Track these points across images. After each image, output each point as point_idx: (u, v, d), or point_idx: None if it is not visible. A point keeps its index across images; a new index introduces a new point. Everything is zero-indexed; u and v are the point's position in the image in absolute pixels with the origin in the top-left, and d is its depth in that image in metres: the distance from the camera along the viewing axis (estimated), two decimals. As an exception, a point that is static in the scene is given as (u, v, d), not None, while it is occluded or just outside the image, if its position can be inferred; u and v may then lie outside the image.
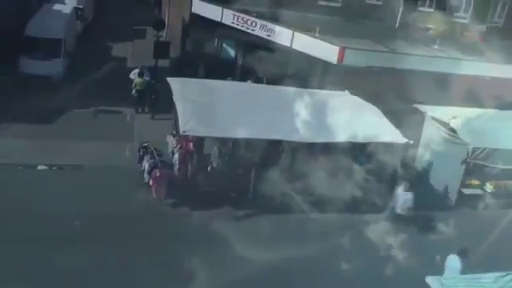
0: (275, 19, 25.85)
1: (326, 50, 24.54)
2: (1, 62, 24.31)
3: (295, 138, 18.78)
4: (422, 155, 22.00)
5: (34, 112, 22.71)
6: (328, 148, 19.26)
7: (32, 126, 22.23)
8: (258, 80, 24.82)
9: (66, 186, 18.52)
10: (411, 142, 19.73)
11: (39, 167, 20.08)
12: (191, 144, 19.72)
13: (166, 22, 30.21)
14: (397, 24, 28.15)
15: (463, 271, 13.76)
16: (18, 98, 23.49)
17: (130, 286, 14.64)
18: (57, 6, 30.35)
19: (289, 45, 25.31)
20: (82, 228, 16.39)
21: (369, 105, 21.04)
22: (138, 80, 25.27)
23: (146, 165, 19.34)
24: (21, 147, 20.68)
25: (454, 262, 14.36)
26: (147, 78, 25.43)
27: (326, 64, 24.74)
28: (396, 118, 20.31)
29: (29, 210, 16.82)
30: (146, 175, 19.20)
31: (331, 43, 24.53)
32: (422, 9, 28.96)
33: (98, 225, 16.54)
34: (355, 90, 22.08)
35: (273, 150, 19.82)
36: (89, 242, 15.70)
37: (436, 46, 27.98)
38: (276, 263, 15.57)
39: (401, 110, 20.91)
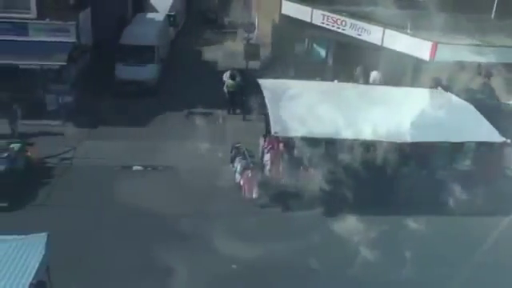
0: (365, 17, 25.48)
1: (417, 47, 23.87)
2: (99, 68, 25.64)
3: (388, 137, 18.45)
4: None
5: (130, 115, 23.67)
6: (422, 147, 18.83)
7: (127, 129, 23.29)
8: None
9: (160, 186, 19.14)
10: (509, 141, 18.87)
11: (134, 168, 20.93)
12: (282, 145, 19.80)
13: (256, 24, 30.53)
14: (493, 15, 26.86)
15: None
16: (114, 103, 24.55)
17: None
18: (150, 15, 31.55)
19: (379, 43, 24.87)
20: (175, 227, 16.89)
21: (463, 102, 20.34)
22: (229, 82, 25.72)
23: (237, 165, 19.66)
24: (117, 149, 21.73)
25: None
26: (238, 80, 25.81)
27: (417, 61, 24.09)
28: (493, 116, 19.53)
29: (127, 209, 17.51)
30: (237, 176, 19.52)
31: (422, 39, 23.84)
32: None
33: (191, 224, 16.94)
34: (449, 87, 21.37)
35: (365, 149, 19.55)
36: (183, 240, 16.15)
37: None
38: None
39: (497, 108, 20.07)
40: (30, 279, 10.14)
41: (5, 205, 17.74)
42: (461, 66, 23.15)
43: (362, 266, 15.52)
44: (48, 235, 11.29)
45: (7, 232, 11.51)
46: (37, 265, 10.53)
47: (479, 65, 23.70)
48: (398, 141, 18.59)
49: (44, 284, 11.53)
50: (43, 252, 10.88)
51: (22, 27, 24.20)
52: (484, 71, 24.04)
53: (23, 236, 11.24)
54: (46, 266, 11.22)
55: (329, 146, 19.37)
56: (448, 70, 22.94)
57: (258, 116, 22.68)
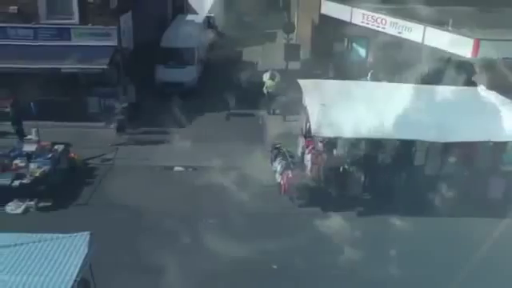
0: (405, 15, 25.11)
1: (459, 44, 23.34)
2: (140, 71, 25.96)
3: (430, 137, 18.14)
4: None
5: (170, 117, 23.83)
6: (465, 147, 18.45)
7: (168, 130, 23.47)
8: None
9: (201, 187, 19.22)
10: None
11: (176, 168, 21.12)
12: (322, 145, 19.68)
13: (296, 24, 30.44)
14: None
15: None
16: (155, 105, 24.82)
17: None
18: (189, 17, 31.79)
19: (420, 41, 24.46)
20: (215, 227, 16.98)
21: (507, 100, 19.81)
22: (269, 82, 25.70)
23: (278, 166, 19.61)
24: (158, 150, 21.98)
25: None
26: (278, 81, 25.77)
27: (459, 58, 23.60)
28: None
29: (168, 209, 17.68)
30: (278, 176, 19.47)
31: (464, 36, 23.34)
32: None
33: (231, 224, 17.02)
34: (492, 85, 20.85)
35: (406, 150, 19.27)
36: (223, 240, 16.08)
37: None
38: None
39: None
40: (74, 276, 10.30)
41: (49, 204, 18.25)
42: (504, 62, 22.58)
43: (407, 268, 15.20)
44: (91, 234, 11.45)
45: (52, 231, 11.72)
46: (80, 263, 10.71)
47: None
48: (441, 141, 18.27)
49: (87, 282, 11.74)
50: (86, 250, 11.06)
51: (65, 32, 24.71)
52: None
53: (67, 235, 11.43)
54: (88, 265, 11.40)
55: (369, 145, 19.20)
56: (491, 67, 22.39)
57: (298, 116, 22.58)
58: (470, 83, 22.38)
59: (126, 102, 23.98)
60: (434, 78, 22.88)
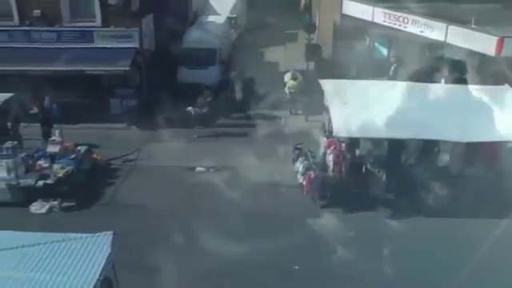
0: (427, 14, 24.88)
1: (482, 42, 23.04)
2: (162, 72, 26.11)
3: (453, 137, 17.92)
4: None
5: (192, 118, 23.93)
6: (490, 147, 18.21)
7: (190, 131, 23.67)
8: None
9: (222, 187, 19.21)
10: None
11: (197, 169, 21.19)
12: (344, 145, 19.57)
13: (317, 24, 30.36)
14: None
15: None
16: (177, 105, 24.90)
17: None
18: (211, 17, 31.85)
19: (443, 39, 24.21)
20: (236, 226, 16.91)
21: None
22: (290, 82, 25.68)
23: (300, 166, 19.55)
24: (180, 150, 22.07)
25: None
26: (300, 81, 25.72)
27: (483, 57, 23.30)
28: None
29: (190, 209, 17.80)
30: (299, 176, 19.41)
31: (488, 33, 23.03)
32: None
33: (252, 224, 17.02)
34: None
35: (429, 150, 19.09)
36: (245, 240, 16.07)
37: None
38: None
39: None
40: (97, 275, 10.36)
41: (72, 204, 18.46)
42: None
43: (434, 270, 15.05)
44: (113, 234, 11.51)
45: (75, 230, 11.82)
46: (103, 262, 10.75)
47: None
48: (464, 141, 18.04)
49: (110, 281, 11.79)
50: (109, 250, 11.09)
51: (87, 35, 25.01)
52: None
53: (90, 234, 11.49)
54: (111, 264, 11.44)
55: (392, 145, 19.06)
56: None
57: (320, 116, 22.50)
58: (463, 81, 22.17)
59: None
60: (457, 76, 22.67)
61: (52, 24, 24.95)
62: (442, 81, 22.98)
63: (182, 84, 27.16)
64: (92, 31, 25.00)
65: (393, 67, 25.23)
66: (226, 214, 17.48)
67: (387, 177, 18.95)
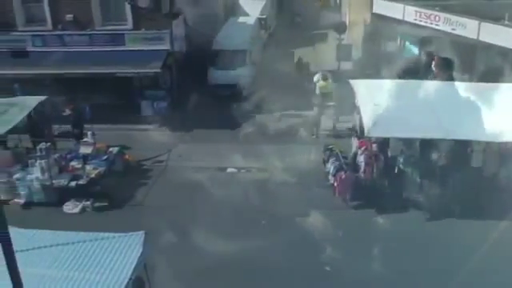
0: (459, 11, 24.49)
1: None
2: (193, 74, 26.26)
3: (486, 137, 17.59)
4: None
5: (223, 119, 24.03)
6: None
7: (221, 131, 23.66)
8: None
9: (253, 188, 19.23)
10: None
11: (229, 170, 21.22)
12: (375, 145, 19.39)
13: (347, 24, 30.17)
14: None
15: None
16: (207, 107, 25.04)
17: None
18: (241, 19, 31.93)
19: (475, 37, 23.79)
20: (269, 227, 16.97)
21: None
22: (320, 83, 25.50)
23: (331, 167, 19.43)
24: (211, 151, 22.10)
25: None
26: (330, 81, 25.55)
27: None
28: None
29: (222, 210, 17.76)
30: (330, 177, 19.29)
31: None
32: None
33: (284, 224, 17.03)
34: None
35: (462, 150, 18.77)
36: (278, 241, 16.15)
37: None
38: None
39: None
40: (129, 275, 10.45)
41: (105, 204, 18.69)
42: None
43: (472, 269, 14.70)
44: (145, 234, 11.59)
45: (107, 230, 11.94)
46: (135, 261, 10.86)
47: None
48: (497, 141, 17.69)
49: (142, 280, 11.89)
50: (141, 250, 11.19)
51: (119, 38, 25.32)
52: None
53: (122, 234, 11.61)
54: (143, 264, 11.55)
55: (424, 146, 18.82)
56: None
57: (351, 117, 22.34)
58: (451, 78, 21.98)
59: None
60: (490, 74, 22.24)
61: (84, 28, 25.34)
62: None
63: (212, 85, 27.26)
64: (123, 34, 25.29)
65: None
66: (254, 215, 17.51)
67: (420, 177, 18.69)
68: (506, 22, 23.03)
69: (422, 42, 26.93)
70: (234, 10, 34.03)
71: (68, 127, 23.01)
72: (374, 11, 27.97)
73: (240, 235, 16.09)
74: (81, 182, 19.14)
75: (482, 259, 15.02)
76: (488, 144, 18.12)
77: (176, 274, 14.28)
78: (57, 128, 23.07)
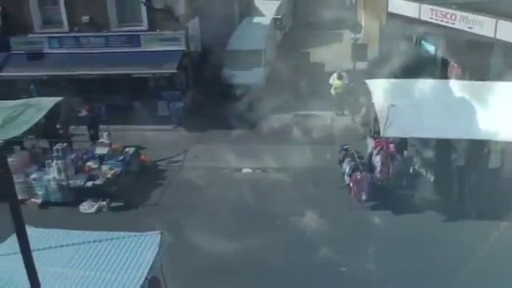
0: (476, 9, 24.24)
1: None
2: (208, 74, 26.34)
3: (503, 137, 17.39)
4: None
5: (238, 119, 24.04)
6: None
7: (236, 132, 23.67)
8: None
9: (269, 188, 19.32)
10: None
11: (244, 170, 21.22)
12: (392, 146, 19.28)
13: (363, 24, 30.08)
14: None
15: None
16: (222, 107, 25.06)
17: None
18: (256, 19, 31.96)
19: (492, 35, 23.53)
20: (284, 228, 16.94)
21: None
22: (336, 83, 25.46)
23: (346, 167, 19.35)
24: (227, 152, 22.00)
25: None
26: (346, 81, 25.50)
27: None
28: None
29: (237, 210, 17.75)
30: (346, 177, 19.21)
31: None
32: None
33: (301, 224, 16.98)
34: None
35: (478, 151, 18.58)
36: (295, 241, 16.17)
37: None
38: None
39: None
40: (145, 274, 10.48)
41: (121, 204, 18.78)
42: None
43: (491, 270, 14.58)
44: (161, 234, 11.62)
45: (123, 229, 11.99)
46: (151, 261, 10.88)
47: None
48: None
49: (158, 280, 11.92)
50: (157, 249, 11.22)
51: (134, 39, 25.44)
52: None
53: (138, 233, 11.65)
54: (159, 263, 11.57)
55: (440, 146, 18.66)
56: None
57: (366, 117, 22.25)
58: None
59: None
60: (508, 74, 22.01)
61: (100, 29, 25.50)
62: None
63: (227, 85, 27.30)
64: (139, 35, 25.41)
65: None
66: (270, 215, 17.50)
67: (436, 178, 18.56)
68: None
69: (438, 41, 26.76)
70: (249, 10, 34.08)
71: (84, 128, 23.17)
72: (389, 10, 27.78)
73: (254, 236, 16.06)
74: (97, 182, 19.27)
75: (500, 261, 14.91)
76: (506, 144, 17.92)
77: (191, 274, 14.36)
78: (73, 129, 23.22)
